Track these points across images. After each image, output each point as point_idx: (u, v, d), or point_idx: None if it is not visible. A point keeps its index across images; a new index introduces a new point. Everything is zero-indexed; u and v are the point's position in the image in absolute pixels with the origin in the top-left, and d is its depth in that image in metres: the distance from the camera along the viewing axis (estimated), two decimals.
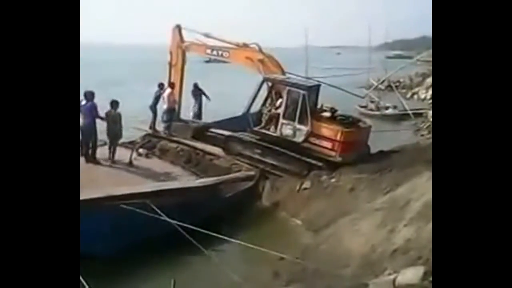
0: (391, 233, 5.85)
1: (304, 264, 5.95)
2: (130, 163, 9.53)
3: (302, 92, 9.98)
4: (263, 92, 11.02)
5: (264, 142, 10.38)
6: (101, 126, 9.74)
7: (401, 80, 33.75)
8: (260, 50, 11.73)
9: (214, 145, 11.16)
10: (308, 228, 7.96)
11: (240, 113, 11.23)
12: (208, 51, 12.52)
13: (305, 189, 9.20)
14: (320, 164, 9.64)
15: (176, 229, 6.34)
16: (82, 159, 9.20)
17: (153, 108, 12.27)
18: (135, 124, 12.57)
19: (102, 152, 9.74)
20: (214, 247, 6.77)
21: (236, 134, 10.87)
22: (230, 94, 20.17)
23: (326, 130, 9.79)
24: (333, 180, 9.07)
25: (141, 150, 10.70)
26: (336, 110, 10.41)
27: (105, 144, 10.12)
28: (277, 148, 10.15)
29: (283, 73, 11.47)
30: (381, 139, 12.17)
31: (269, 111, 10.75)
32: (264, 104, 10.93)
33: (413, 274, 4.60)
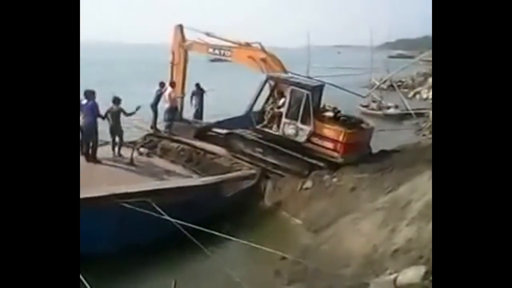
0: (392, 233, 5.85)
1: (305, 264, 5.96)
2: (131, 162, 9.53)
3: (306, 92, 9.97)
4: (266, 91, 11.03)
5: (266, 141, 10.38)
6: (101, 126, 9.76)
7: (403, 79, 33.72)
8: (263, 49, 11.72)
9: (216, 144, 11.16)
10: (309, 227, 7.96)
11: (242, 113, 11.21)
12: (210, 50, 12.50)
13: (306, 188, 9.20)
14: (321, 164, 9.64)
15: (177, 228, 6.34)
16: (82, 158, 9.22)
17: (154, 107, 12.27)
18: (136, 123, 12.57)
19: (102, 152, 9.76)
20: (215, 246, 6.78)
21: (237, 131, 10.86)
22: (235, 93, 20.12)
23: (329, 130, 9.78)
24: (334, 179, 9.06)
25: (142, 149, 10.70)
26: (339, 111, 10.40)
27: (106, 143, 10.16)
28: (278, 147, 10.15)
29: (285, 72, 11.46)
30: (382, 139, 12.17)
31: (272, 109, 10.75)
32: (266, 102, 10.93)
33: (414, 273, 4.60)
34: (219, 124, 12.59)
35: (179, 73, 12.89)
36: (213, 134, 11.99)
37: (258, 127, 10.61)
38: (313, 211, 8.45)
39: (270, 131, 10.45)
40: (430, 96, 25.59)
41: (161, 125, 12.22)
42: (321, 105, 10.57)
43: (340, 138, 9.61)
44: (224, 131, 11.52)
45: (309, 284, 5.59)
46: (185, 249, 6.49)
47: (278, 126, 10.34)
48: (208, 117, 13.91)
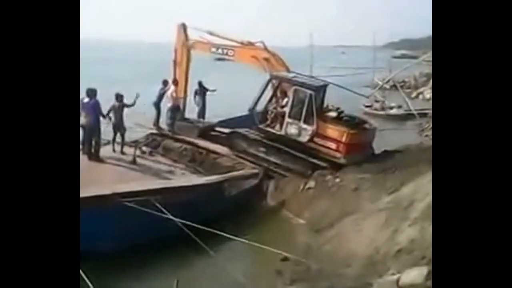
0: (395, 233, 5.86)
1: (308, 264, 5.97)
2: (134, 161, 9.55)
3: (309, 92, 9.98)
4: (269, 91, 11.04)
5: (268, 140, 10.39)
6: (103, 125, 9.79)
7: (406, 80, 33.65)
8: (266, 49, 11.72)
9: (219, 143, 11.18)
10: (312, 227, 7.97)
11: (245, 112, 11.22)
12: (213, 49, 12.48)
13: (309, 188, 9.21)
14: (324, 164, 9.64)
15: (180, 227, 6.36)
16: (85, 157, 9.25)
17: (157, 105, 12.29)
18: (138, 121, 12.60)
19: (105, 151, 9.80)
20: (218, 245, 6.78)
21: (240, 131, 10.88)
22: (240, 92, 20.13)
23: (332, 130, 9.78)
24: (337, 179, 9.07)
25: (144, 148, 10.73)
26: (342, 111, 10.40)
27: (108, 142, 10.19)
28: (281, 147, 10.16)
29: (288, 71, 11.46)
30: (385, 139, 12.16)
31: (275, 109, 10.76)
32: (269, 102, 10.94)
33: (417, 274, 4.61)
34: (222, 123, 12.61)
35: (182, 72, 12.90)
36: (216, 133, 12.01)
37: (261, 126, 10.63)
38: (315, 211, 8.46)
39: (273, 130, 10.46)
40: None
41: (163, 124, 12.25)
42: (324, 105, 10.57)
43: (343, 139, 9.62)
44: (227, 130, 11.54)
45: (311, 284, 5.60)
46: (187, 248, 6.51)
47: (281, 126, 10.36)
48: (211, 117, 13.91)
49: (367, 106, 21.50)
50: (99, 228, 6.14)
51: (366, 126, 10.60)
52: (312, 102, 9.89)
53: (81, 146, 9.42)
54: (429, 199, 5.83)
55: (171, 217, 6.51)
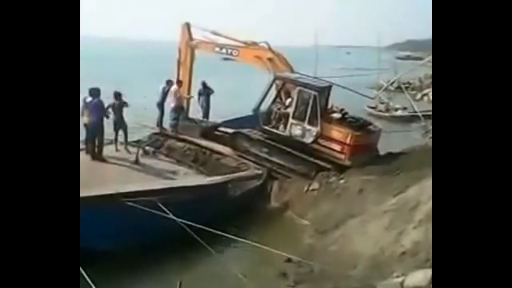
0: (399, 235, 5.87)
1: (312, 265, 5.99)
2: (137, 161, 9.60)
3: (313, 93, 9.99)
4: (273, 91, 11.06)
5: (272, 141, 10.41)
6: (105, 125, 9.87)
7: (411, 81, 33.60)
8: (270, 49, 11.74)
9: (223, 144, 11.20)
10: (316, 229, 7.99)
11: (249, 113, 11.25)
12: (217, 49, 12.51)
13: (313, 190, 9.23)
14: (328, 166, 9.66)
15: (183, 228, 6.39)
16: (88, 157, 9.31)
17: (161, 105, 12.33)
18: (140, 121, 12.68)
19: (107, 150, 9.85)
20: (221, 246, 6.82)
21: (244, 131, 10.90)
22: (246, 92, 20.19)
23: (336, 132, 9.79)
24: (341, 181, 9.10)
25: (147, 148, 10.77)
26: (346, 112, 10.41)
27: (111, 142, 10.25)
28: (285, 148, 10.18)
29: (292, 72, 11.49)
30: (390, 141, 12.17)
31: (279, 109, 10.78)
32: (273, 102, 10.97)
33: (421, 276, 4.63)
34: (226, 123, 12.63)
35: (186, 72, 12.94)
36: (220, 133, 12.03)
37: (264, 127, 10.65)
38: (320, 213, 8.48)
39: (277, 131, 10.48)
40: None
41: (167, 124, 12.30)
42: (329, 106, 10.59)
43: (347, 140, 9.63)
44: (231, 130, 11.57)
45: (315, 285, 5.63)
46: (190, 249, 6.53)
47: (285, 127, 10.37)
48: (215, 117, 13.95)
49: (371, 108, 21.49)
50: (102, 228, 6.20)
51: (371, 128, 10.61)
52: (317, 103, 9.91)
53: (84, 146, 9.50)
54: None
55: (173, 217, 6.54)
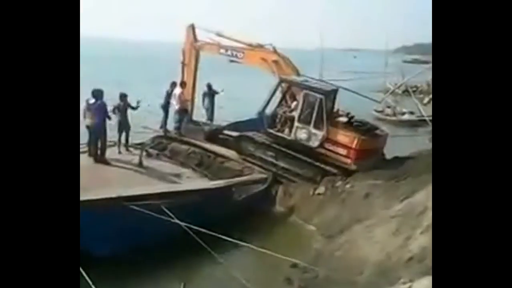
0: (407, 241, 5.85)
1: (317, 271, 5.98)
2: (140, 164, 9.64)
3: (319, 96, 10.00)
4: (278, 94, 11.08)
5: (277, 145, 10.42)
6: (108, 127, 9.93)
7: (418, 85, 33.50)
8: (275, 51, 11.79)
9: (227, 147, 11.23)
10: (322, 234, 7.99)
11: (254, 115, 11.28)
12: (222, 51, 12.56)
13: (319, 194, 9.23)
14: (334, 170, 9.65)
15: (187, 232, 6.40)
16: (91, 159, 9.35)
17: (165, 107, 12.39)
18: (145, 123, 12.76)
19: (110, 152, 9.92)
20: (225, 251, 6.82)
21: (248, 134, 10.92)
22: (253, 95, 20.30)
23: (342, 136, 9.79)
24: (347, 186, 9.09)
25: (151, 151, 10.81)
26: (352, 116, 10.41)
27: (114, 144, 10.32)
28: (290, 151, 10.19)
29: (298, 75, 11.51)
30: (397, 145, 12.15)
31: (284, 113, 10.79)
32: (278, 106, 10.98)
33: (428, 283, 4.60)
34: (230, 126, 12.65)
35: (190, 74, 13.01)
36: (224, 136, 12.05)
37: (269, 130, 10.66)
38: (325, 217, 8.48)
39: (282, 135, 10.50)
40: None
41: (171, 126, 12.35)
42: (335, 110, 10.59)
43: (353, 145, 9.62)
44: (235, 133, 11.59)
45: None
46: (194, 253, 6.56)
47: (290, 130, 10.38)
48: (219, 120, 13.99)
49: (378, 112, 21.47)
50: (105, 231, 6.24)
51: (378, 132, 10.60)
52: (322, 107, 9.92)
53: (86, 148, 9.56)
54: None
55: (177, 221, 6.56)
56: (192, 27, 12.95)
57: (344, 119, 10.16)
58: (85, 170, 8.12)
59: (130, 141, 10.69)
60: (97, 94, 9.30)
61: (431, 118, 18.85)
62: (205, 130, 12.38)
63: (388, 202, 7.68)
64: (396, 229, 6.31)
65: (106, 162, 9.49)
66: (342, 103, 11.08)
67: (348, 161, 9.68)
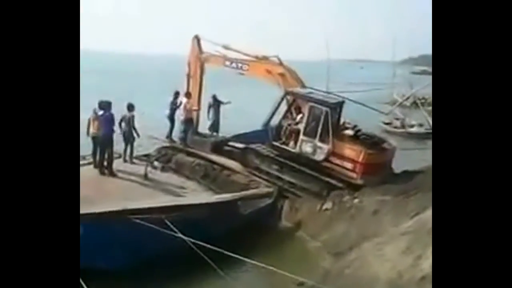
0: (418, 259, 5.75)
1: None
2: (145, 176, 9.67)
3: (325, 109, 9.99)
4: (283, 106, 11.09)
5: (282, 158, 10.40)
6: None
7: (427, 97, 33.45)
8: (281, 63, 11.84)
9: (233, 159, 11.22)
10: (329, 251, 7.89)
11: (259, 127, 11.28)
12: (227, 63, 12.68)
13: (326, 209, 9.14)
14: (340, 185, 9.56)
15: (191, 247, 6.36)
16: (96, 171, 9.44)
17: (171, 117, 12.48)
18: (151, 133, 12.84)
19: (116, 164, 10.00)
20: (229, 267, 6.75)
21: (253, 147, 10.92)
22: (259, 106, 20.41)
23: (348, 150, 9.74)
24: (355, 201, 9.00)
25: (156, 163, 10.86)
26: (359, 129, 10.36)
27: (119, 156, 10.40)
28: (295, 165, 10.15)
29: (303, 87, 11.54)
30: (406, 159, 12.05)
31: (289, 125, 10.78)
32: (284, 118, 10.98)
33: None
34: (236, 138, 12.67)
35: (196, 85, 13.13)
36: (230, 148, 12.05)
37: (275, 143, 10.64)
38: (333, 234, 8.38)
39: (287, 148, 10.48)
40: None
41: (176, 137, 12.43)
42: (341, 122, 10.55)
43: (360, 159, 9.55)
44: (241, 145, 11.58)
45: None
46: (198, 268, 6.50)
47: (296, 143, 10.36)
48: (224, 131, 14.02)
49: (386, 124, 21.41)
50: (109, 244, 6.28)
51: (385, 145, 10.51)
52: (328, 120, 9.89)
53: (91, 159, 9.69)
54: None
55: (181, 236, 6.52)
56: (197, 39, 13.09)
57: (350, 132, 10.12)
58: (90, 182, 8.29)
59: (136, 149, 10.88)
60: (105, 105, 9.51)
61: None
62: (211, 141, 12.41)
63: (398, 219, 7.59)
64: (406, 247, 6.21)
65: (113, 174, 9.59)
66: (349, 115, 11.05)
67: (355, 175, 9.60)
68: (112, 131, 9.61)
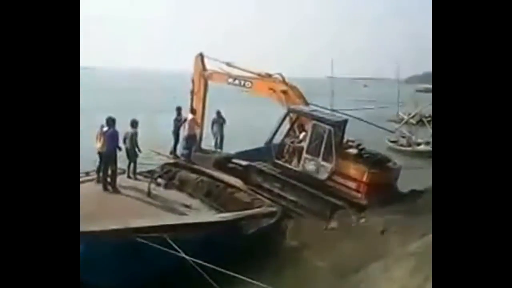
0: (426, 281, 5.68)
1: None
2: (149, 194, 9.71)
3: (328, 127, 10.00)
4: (286, 124, 11.13)
5: (285, 176, 10.37)
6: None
7: None
8: (284, 81, 11.94)
9: (236, 176, 11.21)
10: (335, 272, 7.77)
11: (263, 145, 11.31)
12: (230, 80, 12.83)
13: (332, 229, 9.06)
14: (343, 204, 9.47)
15: (193, 266, 6.32)
16: (99, 187, 9.52)
17: (176, 133, 12.63)
18: (154, 148, 12.92)
19: (119, 180, 10.09)
20: (232, 287, 6.66)
21: (256, 164, 10.91)
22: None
23: (352, 169, 9.71)
24: (362, 220, 8.92)
25: (160, 180, 10.88)
26: (363, 148, 10.33)
27: (123, 172, 10.46)
28: (298, 183, 10.09)
29: (307, 104, 11.61)
30: (413, 177, 11.99)
31: (292, 143, 10.79)
32: (286, 136, 10.99)
33: None
34: (240, 155, 12.70)
35: (199, 102, 13.25)
36: (233, 165, 12.04)
37: (277, 161, 10.63)
38: (340, 254, 8.26)
39: (290, 166, 10.46)
40: None
41: (180, 153, 12.52)
42: (344, 140, 10.53)
43: (364, 178, 9.51)
44: (244, 162, 11.59)
45: None
46: None
47: (299, 161, 10.34)
48: (228, 148, 14.08)
49: (392, 142, 21.39)
50: (111, 263, 6.31)
51: (389, 165, 10.45)
52: (331, 138, 9.90)
53: (95, 175, 9.84)
54: None
55: (183, 255, 6.50)
56: (201, 56, 13.27)
57: (354, 151, 10.08)
58: (93, 198, 8.34)
59: (139, 164, 11.06)
60: (110, 122, 9.70)
61: None
62: (214, 157, 12.44)
63: (406, 239, 7.51)
64: (414, 268, 6.14)
65: (117, 191, 9.68)
66: (354, 133, 11.06)
67: (359, 195, 9.54)
68: (116, 147, 9.74)
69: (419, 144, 21.42)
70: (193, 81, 13.39)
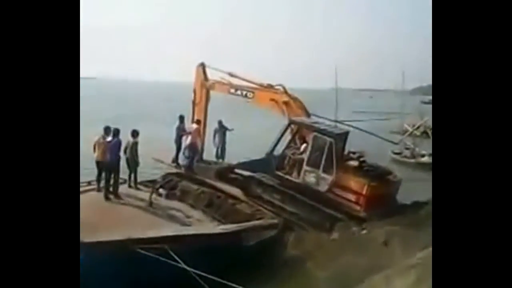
0: None
1: None
2: (150, 204, 9.80)
3: (329, 139, 10.08)
4: (287, 135, 11.21)
5: (285, 188, 10.41)
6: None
7: None
8: (286, 92, 12.05)
9: (238, 187, 11.28)
10: (337, 283, 7.79)
11: (264, 155, 11.39)
12: (232, 90, 12.96)
13: (333, 240, 9.09)
14: (343, 217, 9.52)
15: (195, 278, 6.36)
16: (100, 196, 9.60)
17: (178, 141, 12.74)
18: (156, 156, 13.02)
19: (121, 189, 10.22)
20: None
21: (256, 176, 10.98)
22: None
23: (352, 182, 9.78)
24: (363, 231, 8.96)
25: (161, 190, 10.98)
26: (364, 160, 10.38)
27: (124, 182, 10.58)
28: (298, 195, 10.14)
29: (308, 115, 11.70)
30: (416, 189, 12.02)
31: (293, 154, 10.85)
32: (287, 147, 11.06)
33: None
34: (241, 165, 12.78)
35: (201, 112, 13.37)
36: (234, 176, 12.11)
37: (278, 172, 10.69)
38: (341, 266, 8.29)
39: (290, 177, 10.51)
40: None
41: (181, 163, 12.65)
42: (346, 152, 10.59)
43: (363, 191, 9.57)
44: (246, 173, 11.66)
45: None
46: None
47: (299, 173, 10.39)
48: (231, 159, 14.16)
49: (396, 153, 21.41)
50: (111, 274, 6.34)
51: (390, 178, 10.49)
52: (332, 150, 9.95)
53: (96, 185, 9.98)
54: None
55: (185, 266, 6.55)
56: (203, 66, 13.42)
57: (354, 163, 10.13)
58: (94, 208, 8.42)
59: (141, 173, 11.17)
60: (114, 132, 9.89)
61: None
62: (216, 168, 12.51)
63: (408, 250, 7.54)
64: (417, 280, 6.17)
65: (120, 200, 9.84)
66: (357, 144, 11.12)
67: (358, 208, 9.57)
68: (119, 158, 9.92)
69: (423, 156, 21.42)
70: (194, 91, 13.52)
